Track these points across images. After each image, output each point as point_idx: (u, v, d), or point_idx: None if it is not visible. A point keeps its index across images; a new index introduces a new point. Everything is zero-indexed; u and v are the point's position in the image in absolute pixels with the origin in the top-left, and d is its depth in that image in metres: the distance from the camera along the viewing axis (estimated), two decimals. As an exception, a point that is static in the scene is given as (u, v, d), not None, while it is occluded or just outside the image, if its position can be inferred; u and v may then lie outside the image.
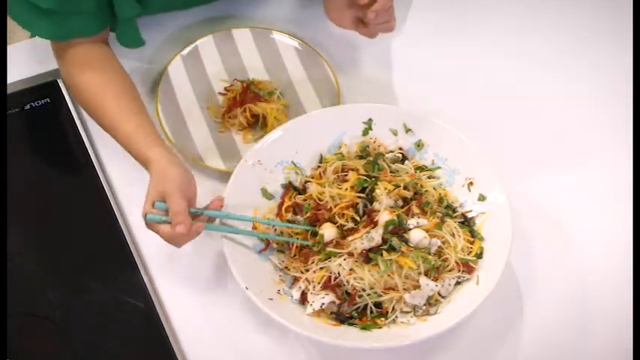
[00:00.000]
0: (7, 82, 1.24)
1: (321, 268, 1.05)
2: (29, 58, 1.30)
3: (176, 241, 1.03)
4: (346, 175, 1.13)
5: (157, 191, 1.04)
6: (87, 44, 1.16)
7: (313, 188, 1.12)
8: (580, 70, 1.34)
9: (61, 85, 1.27)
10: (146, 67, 1.29)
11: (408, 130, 1.17)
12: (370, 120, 1.17)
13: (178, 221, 1.01)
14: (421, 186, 1.12)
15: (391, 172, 1.14)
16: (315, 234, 1.08)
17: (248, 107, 1.22)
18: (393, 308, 1.03)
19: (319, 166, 1.16)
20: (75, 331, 1.06)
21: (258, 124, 1.23)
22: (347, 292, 1.04)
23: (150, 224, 1.03)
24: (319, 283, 1.04)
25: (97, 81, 1.14)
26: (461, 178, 1.13)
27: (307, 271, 1.06)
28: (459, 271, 1.05)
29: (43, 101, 1.25)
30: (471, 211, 1.11)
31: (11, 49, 1.30)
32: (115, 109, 1.12)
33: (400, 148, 1.17)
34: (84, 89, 1.14)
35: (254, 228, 1.10)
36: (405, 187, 1.10)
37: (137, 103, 1.14)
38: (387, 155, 1.16)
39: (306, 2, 1.39)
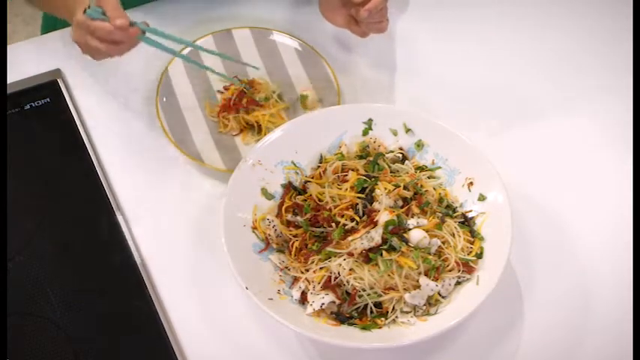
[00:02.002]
0: (7, 82, 1.24)
1: (321, 268, 1.05)
2: (29, 58, 1.30)
3: (114, 38, 1.01)
4: (346, 175, 1.13)
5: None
6: None
7: (313, 188, 1.12)
8: (581, 69, 1.34)
9: (61, 85, 1.27)
10: (146, 67, 1.29)
11: (408, 130, 1.17)
12: (370, 120, 1.17)
13: (118, 15, 1.00)
14: (421, 186, 1.12)
15: (391, 172, 1.14)
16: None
17: (242, 117, 1.22)
18: (393, 308, 1.03)
19: (319, 166, 1.16)
20: (75, 331, 1.06)
21: (254, 129, 1.23)
22: (347, 292, 1.04)
23: (85, 24, 1.01)
24: (319, 283, 1.04)
25: None
26: (461, 178, 1.13)
27: (307, 271, 1.06)
28: (459, 271, 1.05)
29: (43, 101, 1.26)
30: (471, 211, 1.11)
31: (11, 49, 1.30)
32: None
33: (400, 148, 1.17)
34: None
35: (254, 227, 1.10)
36: (405, 187, 1.10)
37: None
38: (387, 155, 1.16)
39: (306, 2, 1.39)
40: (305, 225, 1.09)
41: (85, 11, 1.01)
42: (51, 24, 1.41)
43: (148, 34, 1.06)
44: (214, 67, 1.28)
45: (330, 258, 1.05)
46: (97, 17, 1.00)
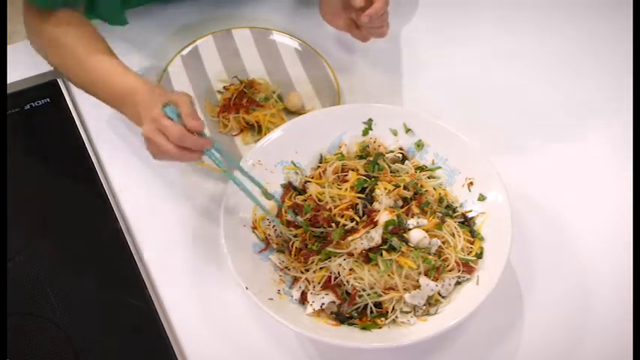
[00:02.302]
0: (7, 82, 1.24)
1: (320, 268, 1.05)
2: (29, 58, 1.30)
3: (184, 142, 0.99)
4: (346, 175, 1.13)
5: (167, 99, 1.00)
6: (67, 12, 1.14)
7: (313, 188, 1.12)
8: (581, 70, 1.34)
9: (61, 85, 1.27)
10: (146, 67, 1.29)
11: (408, 130, 1.17)
12: (370, 120, 1.17)
13: (193, 119, 0.98)
14: (421, 186, 1.12)
15: (391, 172, 1.14)
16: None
17: (241, 117, 1.22)
18: (393, 308, 1.03)
19: (319, 166, 1.16)
20: (75, 331, 1.06)
21: (254, 129, 1.23)
22: (347, 292, 1.04)
23: (159, 121, 0.98)
24: (319, 283, 1.04)
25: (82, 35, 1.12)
26: (461, 178, 1.13)
27: (307, 271, 1.06)
28: (459, 271, 1.05)
29: (43, 101, 1.26)
30: (471, 211, 1.11)
31: (11, 49, 1.30)
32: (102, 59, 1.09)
33: (400, 148, 1.17)
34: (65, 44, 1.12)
35: (254, 227, 1.10)
36: (405, 187, 1.10)
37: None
38: (387, 155, 1.16)
39: (306, 2, 1.39)
40: (305, 225, 1.09)
41: (163, 107, 0.99)
42: None
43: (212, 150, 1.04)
44: (214, 67, 1.29)
45: (330, 258, 1.05)
46: (172, 117, 0.99)
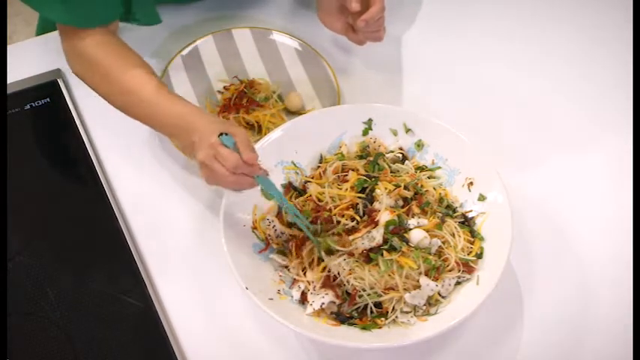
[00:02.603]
0: (7, 82, 1.24)
1: (319, 265, 1.05)
2: (29, 58, 1.30)
3: (239, 170, 1.00)
4: (346, 175, 1.13)
5: (224, 128, 1.02)
6: (101, 33, 1.12)
7: (313, 188, 1.12)
8: (581, 71, 1.34)
9: (61, 85, 1.27)
10: (146, 67, 1.29)
11: (408, 130, 1.17)
12: (370, 120, 1.17)
13: (249, 149, 1.00)
14: (421, 186, 1.12)
15: (391, 172, 1.14)
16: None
17: (242, 117, 1.22)
18: (393, 308, 1.03)
19: (319, 166, 1.16)
20: (75, 331, 1.06)
21: (254, 129, 1.23)
22: (347, 292, 1.04)
23: (216, 148, 1.00)
24: (319, 282, 1.04)
25: (130, 60, 1.12)
26: (461, 178, 1.13)
27: (306, 269, 1.06)
28: (459, 271, 1.05)
29: (43, 101, 1.26)
30: (471, 211, 1.11)
31: (11, 49, 1.30)
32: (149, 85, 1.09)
33: (400, 148, 1.17)
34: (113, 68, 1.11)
35: (254, 227, 1.10)
36: (405, 187, 1.10)
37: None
38: (387, 155, 1.16)
39: (306, 2, 1.39)
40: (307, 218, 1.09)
41: (219, 135, 1.01)
42: (47, 26, 1.41)
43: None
44: (214, 67, 1.29)
45: (330, 251, 1.05)
46: (228, 146, 1.01)
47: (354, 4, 1.17)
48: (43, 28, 1.41)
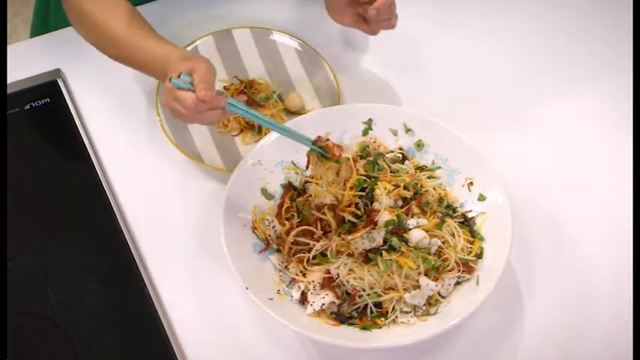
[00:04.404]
0: (7, 82, 1.24)
1: (317, 265, 1.05)
2: (29, 58, 1.30)
3: (198, 109, 1.01)
4: (346, 175, 1.13)
5: (185, 67, 1.03)
6: None
7: (313, 188, 1.12)
8: (580, 70, 1.34)
9: (61, 85, 1.27)
10: (146, 67, 1.29)
11: (408, 130, 1.17)
12: (370, 120, 1.17)
13: (204, 87, 1.01)
14: (421, 186, 1.12)
15: (391, 172, 1.14)
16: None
17: (241, 117, 1.22)
18: (393, 308, 1.03)
19: (319, 166, 1.16)
20: (75, 331, 1.06)
21: (254, 129, 1.23)
22: (347, 292, 1.04)
23: (172, 92, 1.02)
24: (319, 283, 1.04)
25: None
26: (461, 178, 1.13)
27: (305, 274, 1.06)
28: (459, 271, 1.05)
29: (43, 101, 1.26)
30: (471, 211, 1.11)
31: (11, 49, 1.30)
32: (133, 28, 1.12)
33: (400, 148, 1.17)
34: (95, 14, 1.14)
35: (254, 227, 1.10)
36: (405, 187, 1.10)
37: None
38: (387, 155, 1.16)
39: (306, 2, 1.39)
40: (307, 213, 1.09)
41: (170, 79, 1.02)
42: (41, 26, 1.41)
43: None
44: (215, 67, 1.28)
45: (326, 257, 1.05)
46: (182, 87, 1.01)
47: None
48: (37, 28, 1.41)
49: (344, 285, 1.04)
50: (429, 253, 1.05)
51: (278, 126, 1.08)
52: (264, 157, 1.14)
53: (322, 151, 1.06)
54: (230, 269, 1.02)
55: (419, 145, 1.17)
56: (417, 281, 1.03)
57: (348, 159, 1.07)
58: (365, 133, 1.18)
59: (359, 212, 1.08)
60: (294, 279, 1.06)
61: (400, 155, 1.16)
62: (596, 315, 1.10)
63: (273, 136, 1.15)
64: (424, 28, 1.37)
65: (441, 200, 1.12)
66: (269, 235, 1.10)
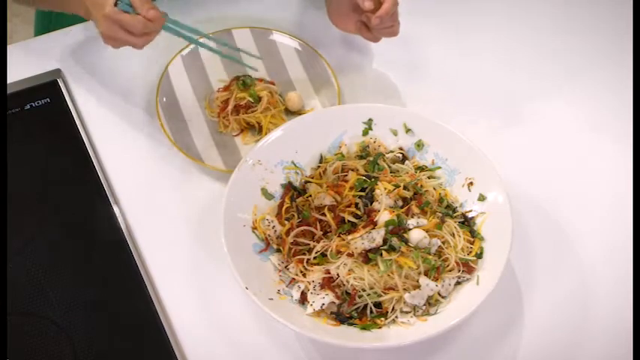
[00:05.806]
0: (7, 82, 1.24)
1: (317, 265, 1.05)
2: (29, 58, 1.30)
3: (146, 30, 1.03)
4: (346, 175, 1.13)
5: None
6: None
7: (313, 188, 1.12)
8: (580, 71, 1.34)
9: (61, 85, 1.27)
10: (146, 67, 1.29)
11: (408, 130, 1.17)
12: (370, 120, 1.17)
13: (149, 7, 1.02)
14: (421, 186, 1.12)
15: (391, 172, 1.14)
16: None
17: (242, 118, 1.22)
18: (393, 308, 1.03)
19: (319, 166, 1.16)
20: (75, 331, 1.06)
21: (255, 129, 1.23)
22: (347, 292, 1.04)
23: (116, 17, 1.02)
24: (319, 283, 1.04)
25: None
26: (461, 178, 1.13)
27: (305, 274, 1.06)
28: (459, 271, 1.05)
29: (43, 101, 1.26)
30: (471, 211, 1.11)
31: (11, 49, 1.30)
32: None
33: (400, 148, 1.17)
34: None
35: (254, 227, 1.10)
36: (405, 187, 1.10)
37: None
38: (387, 155, 1.16)
39: (306, 2, 1.39)
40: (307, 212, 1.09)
41: (115, 4, 1.02)
42: (45, 25, 1.41)
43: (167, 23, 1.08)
44: (214, 67, 1.29)
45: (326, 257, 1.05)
46: (127, 10, 1.01)
47: (366, 3, 1.15)
48: (41, 30, 1.41)
49: (344, 285, 1.04)
50: (429, 253, 1.05)
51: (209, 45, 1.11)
52: (264, 157, 1.14)
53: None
54: (230, 269, 1.02)
55: (419, 145, 1.17)
56: (417, 281, 1.03)
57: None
58: (365, 133, 1.18)
59: (359, 212, 1.08)
60: (294, 279, 1.06)
61: (400, 155, 1.16)
62: (595, 315, 1.10)
63: (273, 136, 1.15)
64: (424, 28, 1.37)
65: (441, 200, 1.12)
66: (269, 235, 1.10)
